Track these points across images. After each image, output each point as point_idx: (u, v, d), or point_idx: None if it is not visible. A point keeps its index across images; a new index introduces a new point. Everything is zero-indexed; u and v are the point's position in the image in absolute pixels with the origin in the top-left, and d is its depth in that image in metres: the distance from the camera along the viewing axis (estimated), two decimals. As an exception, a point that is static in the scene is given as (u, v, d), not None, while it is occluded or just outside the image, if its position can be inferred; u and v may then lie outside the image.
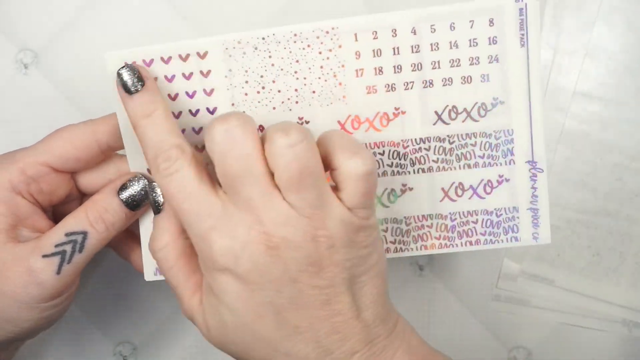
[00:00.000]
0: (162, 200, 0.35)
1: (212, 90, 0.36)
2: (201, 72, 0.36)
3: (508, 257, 0.47)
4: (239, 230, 0.31)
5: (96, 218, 0.35)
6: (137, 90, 0.33)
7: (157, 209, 0.35)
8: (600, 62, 0.47)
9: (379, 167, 0.37)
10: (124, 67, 0.34)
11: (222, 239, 0.31)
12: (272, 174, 0.31)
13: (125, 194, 0.36)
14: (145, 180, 0.36)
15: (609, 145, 0.47)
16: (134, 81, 0.33)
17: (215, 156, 0.31)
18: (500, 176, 0.37)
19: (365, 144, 0.37)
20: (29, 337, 0.39)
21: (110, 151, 0.37)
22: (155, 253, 0.35)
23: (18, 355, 0.45)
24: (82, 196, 0.39)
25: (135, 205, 0.36)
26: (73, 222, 0.35)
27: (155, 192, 0.35)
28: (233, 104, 0.36)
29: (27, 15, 0.46)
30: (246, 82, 0.36)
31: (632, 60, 0.46)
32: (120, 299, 0.47)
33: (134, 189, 0.36)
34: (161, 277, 0.38)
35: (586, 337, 0.47)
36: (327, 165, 0.32)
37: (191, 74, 0.36)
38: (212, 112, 0.36)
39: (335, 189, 0.33)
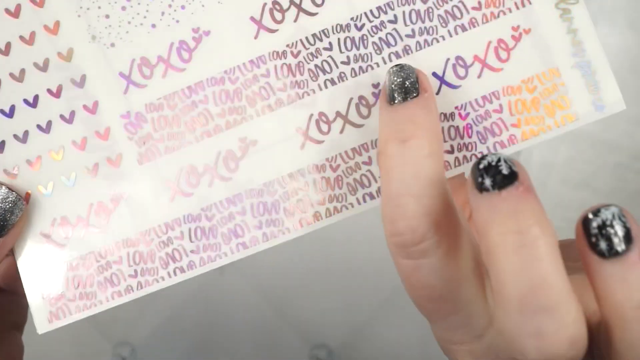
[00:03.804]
0: None
1: (56, 24, 0.24)
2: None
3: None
4: None
5: None
6: None
7: None
8: (600, 62, 0.44)
9: (316, 56, 0.24)
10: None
11: None
12: None
13: None
14: (10, 191, 0.25)
15: (611, 145, 0.46)
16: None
17: None
18: (516, 29, 0.24)
19: (300, 39, 0.24)
20: None
21: None
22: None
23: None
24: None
25: None
26: None
27: None
28: (94, 37, 0.24)
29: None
30: (101, -3, 0.24)
31: (632, 60, 0.47)
32: (120, 300, 0.43)
33: None
34: (61, 324, 0.25)
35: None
36: None
37: (18, 5, 0.24)
38: (65, 57, 0.25)
39: None
